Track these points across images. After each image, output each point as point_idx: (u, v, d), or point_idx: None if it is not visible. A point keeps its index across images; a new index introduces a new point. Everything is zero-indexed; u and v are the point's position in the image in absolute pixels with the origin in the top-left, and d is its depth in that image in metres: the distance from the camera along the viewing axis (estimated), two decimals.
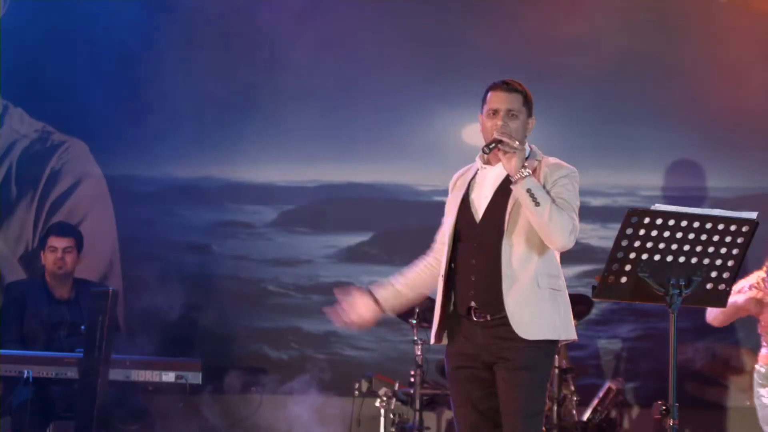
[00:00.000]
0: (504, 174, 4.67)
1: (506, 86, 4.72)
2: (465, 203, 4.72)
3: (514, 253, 4.60)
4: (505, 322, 4.58)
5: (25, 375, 6.24)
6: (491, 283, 4.60)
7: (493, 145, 4.56)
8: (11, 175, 7.81)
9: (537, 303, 4.60)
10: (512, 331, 4.57)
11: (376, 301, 4.85)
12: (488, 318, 4.60)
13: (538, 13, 7.67)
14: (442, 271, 4.69)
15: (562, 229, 4.55)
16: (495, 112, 4.68)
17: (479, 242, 4.65)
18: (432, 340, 4.73)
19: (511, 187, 4.57)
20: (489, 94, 4.73)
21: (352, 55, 7.76)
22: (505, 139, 4.55)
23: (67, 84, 7.71)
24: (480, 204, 4.70)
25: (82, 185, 7.82)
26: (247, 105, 7.76)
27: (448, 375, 4.76)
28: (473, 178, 4.76)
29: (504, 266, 4.59)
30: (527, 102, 4.72)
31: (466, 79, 7.54)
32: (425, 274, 4.87)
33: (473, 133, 7.52)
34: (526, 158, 4.64)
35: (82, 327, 6.42)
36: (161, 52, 7.77)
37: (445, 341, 4.72)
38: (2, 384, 6.43)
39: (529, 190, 4.51)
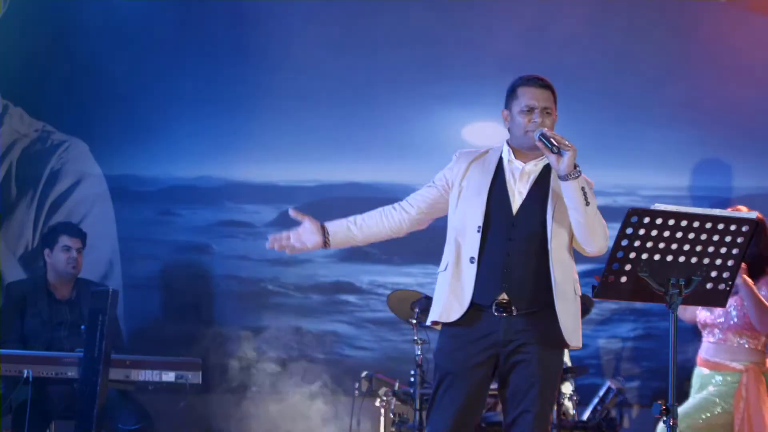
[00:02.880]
0: (538, 171, 4.68)
1: (540, 82, 4.69)
2: (496, 193, 4.66)
3: (557, 257, 4.61)
4: (543, 324, 4.58)
5: (25, 375, 6.23)
6: (527, 281, 4.60)
7: (555, 147, 4.48)
8: (11, 175, 7.80)
9: (576, 310, 4.65)
10: (537, 334, 4.58)
11: (325, 233, 4.83)
12: (513, 312, 4.60)
13: (538, 13, 7.67)
14: (475, 254, 4.60)
15: (603, 232, 4.59)
16: (531, 109, 4.63)
17: (514, 236, 4.62)
18: (443, 318, 4.63)
19: (564, 183, 4.51)
20: (521, 90, 4.68)
21: (352, 54, 7.75)
22: (560, 139, 4.49)
23: (67, 84, 7.71)
24: (514, 198, 4.66)
25: (82, 185, 7.81)
26: (247, 105, 7.75)
27: (447, 354, 4.68)
28: (499, 167, 4.72)
29: (553, 271, 4.58)
30: (555, 98, 4.71)
31: (466, 79, 7.55)
32: (382, 224, 4.81)
33: (473, 133, 7.54)
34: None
35: (82, 327, 6.42)
36: (161, 52, 7.76)
37: (448, 318, 4.64)
38: (2, 384, 6.42)
39: (582, 189, 4.51)
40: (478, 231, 4.61)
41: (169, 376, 6.55)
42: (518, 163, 4.70)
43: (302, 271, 7.76)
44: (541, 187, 4.66)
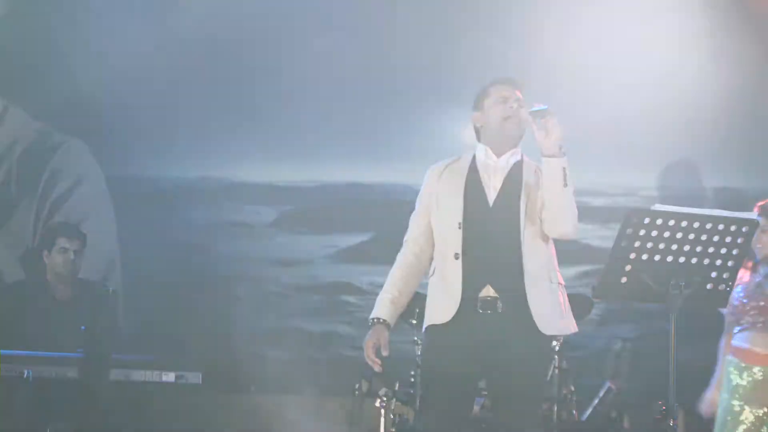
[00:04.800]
0: (509, 166, 4.75)
1: (511, 79, 4.84)
2: (471, 189, 4.75)
3: (530, 247, 4.66)
4: (519, 314, 4.61)
5: (25, 375, 6.24)
6: (508, 273, 4.64)
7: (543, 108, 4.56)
8: (11, 175, 7.80)
9: (552, 298, 4.68)
10: (522, 325, 4.61)
11: (388, 326, 4.89)
12: (499, 309, 4.63)
13: (538, 13, 7.67)
14: (458, 250, 4.67)
15: (574, 216, 4.65)
16: (505, 99, 4.76)
17: (491, 229, 4.69)
18: (441, 320, 4.69)
19: (548, 160, 4.57)
20: (493, 88, 4.81)
21: (352, 55, 7.76)
22: (549, 110, 4.57)
23: (67, 84, 7.71)
24: (489, 193, 4.74)
25: (82, 185, 7.81)
26: (248, 105, 7.76)
27: (432, 353, 4.78)
28: (472, 167, 4.80)
29: (525, 262, 4.63)
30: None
31: (465, 79, 7.54)
32: (412, 277, 4.89)
33: (473, 133, 7.53)
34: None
35: (82, 327, 6.42)
36: (161, 51, 7.76)
37: (443, 319, 4.70)
38: (2, 384, 6.42)
39: (564, 169, 4.56)
40: (459, 227, 4.68)
41: (169, 376, 6.55)
42: (492, 160, 4.78)
43: (302, 271, 7.76)
44: (513, 180, 4.74)
